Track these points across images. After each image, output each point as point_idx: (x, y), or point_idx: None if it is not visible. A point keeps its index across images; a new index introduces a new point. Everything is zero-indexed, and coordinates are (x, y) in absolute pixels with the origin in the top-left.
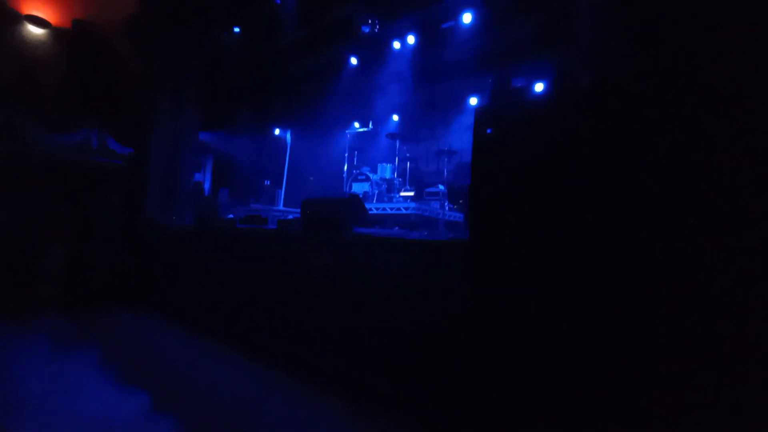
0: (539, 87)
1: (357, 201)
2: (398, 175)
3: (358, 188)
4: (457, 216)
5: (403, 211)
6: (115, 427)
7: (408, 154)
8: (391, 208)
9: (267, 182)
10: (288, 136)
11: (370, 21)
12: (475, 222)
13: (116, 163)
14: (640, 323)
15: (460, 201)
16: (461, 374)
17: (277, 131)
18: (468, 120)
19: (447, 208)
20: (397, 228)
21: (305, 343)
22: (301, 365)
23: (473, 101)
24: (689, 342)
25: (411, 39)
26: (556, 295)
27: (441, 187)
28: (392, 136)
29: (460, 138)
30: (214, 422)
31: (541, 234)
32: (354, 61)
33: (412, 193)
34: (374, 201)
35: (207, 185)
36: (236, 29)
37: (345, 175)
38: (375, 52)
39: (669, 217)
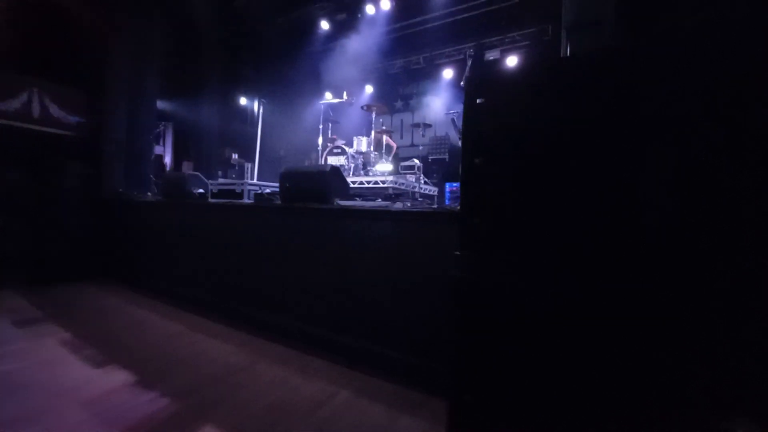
0: (512, 60)
1: (337, 173)
2: (374, 149)
3: (333, 162)
4: (432, 189)
5: (380, 185)
6: (100, 399)
7: (384, 127)
8: (369, 182)
9: (235, 156)
10: (256, 105)
11: None
12: (466, 190)
13: (62, 133)
14: (634, 296)
15: (435, 175)
16: (452, 339)
17: (243, 100)
18: (443, 92)
19: (422, 182)
20: (380, 200)
21: (293, 311)
22: (288, 332)
23: (447, 73)
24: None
25: (385, 3)
26: (549, 263)
27: (416, 161)
28: (368, 108)
29: (434, 111)
30: (202, 388)
31: (534, 200)
32: (326, 25)
33: (389, 167)
34: (351, 174)
35: (168, 159)
36: None
37: (320, 148)
38: (348, 15)
39: (658, 192)
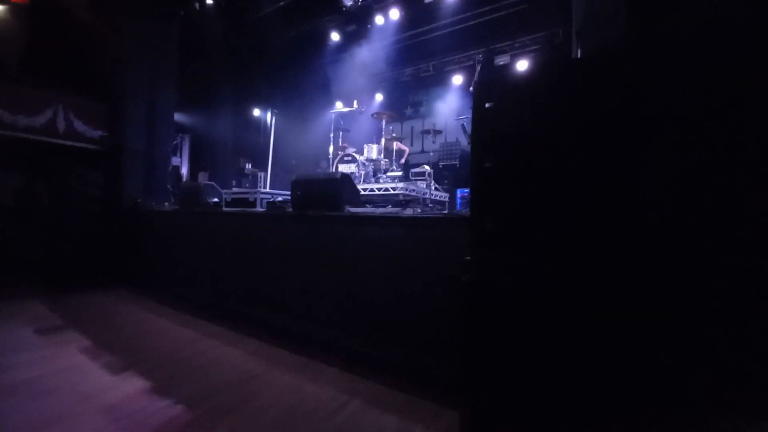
0: (522, 64)
1: (348, 180)
2: (384, 156)
3: (344, 170)
4: (443, 195)
5: (391, 192)
6: (119, 405)
7: (394, 134)
8: (379, 189)
9: (249, 165)
10: (269, 116)
11: None
12: (477, 194)
13: (85, 147)
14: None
15: (446, 181)
16: (464, 342)
17: (257, 111)
18: (452, 98)
19: (433, 188)
20: (390, 206)
21: (306, 318)
22: (302, 338)
23: (457, 79)
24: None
25: (394, 13)
26: (563, 264)
27: (426, 167)
28: (378, 116)
29: (444, 117)
30: (217, 394)
31: (544, 201)
32: (336, 36)
33: (399, 173)
34: (361, 182)
35: (184, 169)
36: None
37: (330, 156)
38: (358, 26)
39: (669, 193)
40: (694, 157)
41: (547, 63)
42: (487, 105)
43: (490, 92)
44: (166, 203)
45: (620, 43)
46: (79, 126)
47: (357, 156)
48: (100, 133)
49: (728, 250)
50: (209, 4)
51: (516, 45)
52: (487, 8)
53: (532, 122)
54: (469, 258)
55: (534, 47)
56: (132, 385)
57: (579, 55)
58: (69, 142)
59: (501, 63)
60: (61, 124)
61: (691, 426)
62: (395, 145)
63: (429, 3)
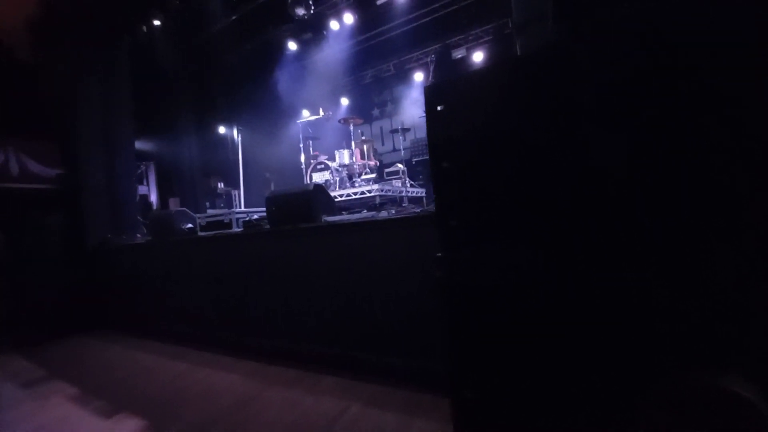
0: (478, 56)
1: (321, 190)
2: (358, 159)
3: (318, 178)
4: (419, 191)
5: (367, 194)
6: None
7: (363, 137)
8: (355, 193)
9: (221, 184)
10: (235, 132)
11: (303, 1)
12: (439, 194)
13: (43, 187)
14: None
15: (420, 176)
16: (444, 338)
17: (222, 129)
18: (416, 95)
19: (408, 185)
20: (365, 211)
21: (295, 333)
22: (294, 354)
23: (418, 76)
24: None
25: (348, 18)
26: (523, 259)
27: (400, 165)
28: (345, 121)
29: (411, 114)
30: (216, 422)
31: (503, 197)
32: (293, 46)
33: (373, 175)
34: (337, 188)
35: (153, 197)
36: (157, 22)
37: (303, 166)
38: (314, 34)
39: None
40: (659, 150)
41: (490, 63)
42: (438, 108)
43: (440, 95)
44: (138, 235)
45: (552, 39)
46: (34, 167)
47: (329, 163)
48: (57, 171)
49: (727, 248)
50: (157, 26)
51: (470, 38)
52: (437, 5)
53: (481, 123)
54: (438, 256)
55: (487, 38)
56: (127, 427)
57: (519, 51)
58: (24, 185)
59: (459, 56)
60: (14, 167)
61: (690, 425)
62: (366, 148)
63: (381, 4)
